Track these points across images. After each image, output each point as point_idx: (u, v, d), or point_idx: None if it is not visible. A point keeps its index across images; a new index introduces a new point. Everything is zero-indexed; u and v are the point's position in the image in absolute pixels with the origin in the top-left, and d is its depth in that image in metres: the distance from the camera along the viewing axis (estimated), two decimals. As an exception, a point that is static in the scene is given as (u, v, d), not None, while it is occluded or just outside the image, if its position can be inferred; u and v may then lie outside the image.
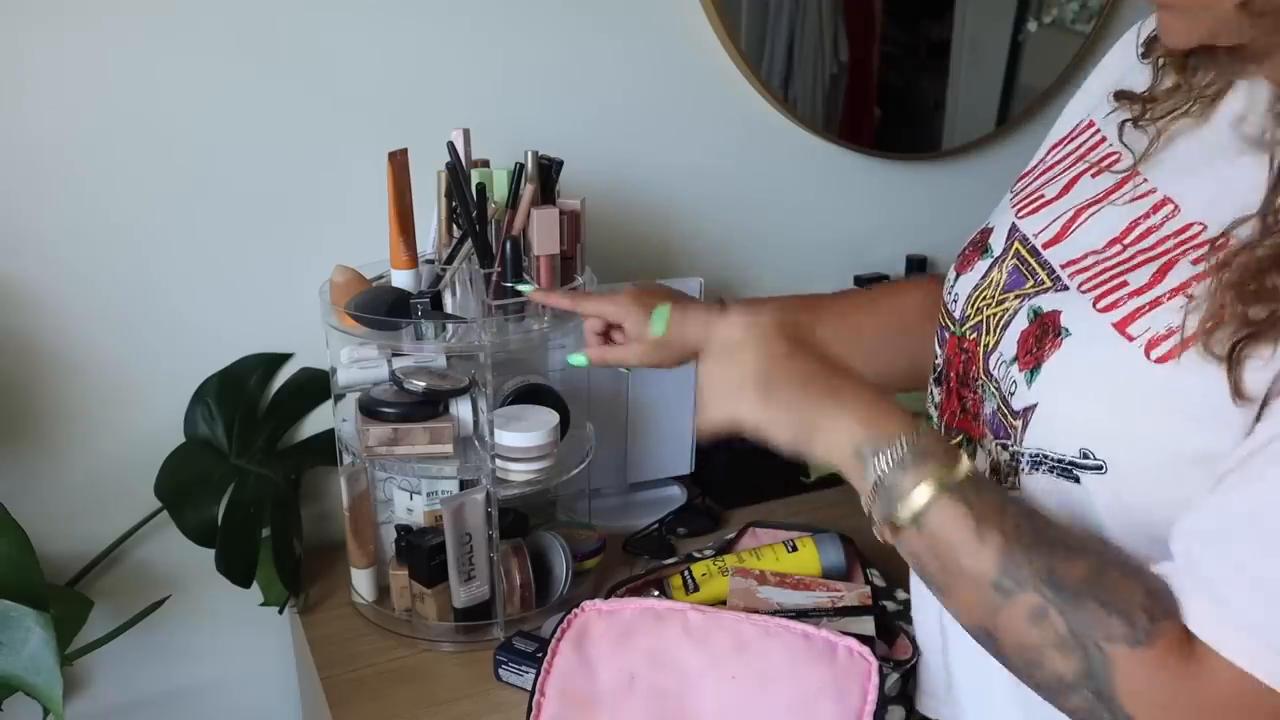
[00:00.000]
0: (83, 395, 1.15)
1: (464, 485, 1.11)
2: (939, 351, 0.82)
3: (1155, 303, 0.62)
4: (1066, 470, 0.65)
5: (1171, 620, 0.56)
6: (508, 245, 1.01)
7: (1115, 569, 0.60)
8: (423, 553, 1.07)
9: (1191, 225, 0.64)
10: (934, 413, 0.81)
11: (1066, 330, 0.66)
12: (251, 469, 1.18)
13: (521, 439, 1.04)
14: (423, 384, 1.04)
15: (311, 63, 1.16)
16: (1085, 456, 0.63)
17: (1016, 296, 0.72)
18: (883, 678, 0.84)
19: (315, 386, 1.24)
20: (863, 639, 0.86)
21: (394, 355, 1.10)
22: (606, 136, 1.34)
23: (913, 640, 0.95)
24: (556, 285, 1.04)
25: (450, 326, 1.03)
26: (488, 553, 1.07)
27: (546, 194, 1.07)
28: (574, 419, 1.15)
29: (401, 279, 1.05)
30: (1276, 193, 0.58)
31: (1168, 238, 0.65)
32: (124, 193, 1.12)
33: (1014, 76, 1.57)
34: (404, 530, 1.11)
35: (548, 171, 1.08)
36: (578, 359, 0.95)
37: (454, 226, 1.08)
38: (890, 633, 0.97)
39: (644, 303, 0.92)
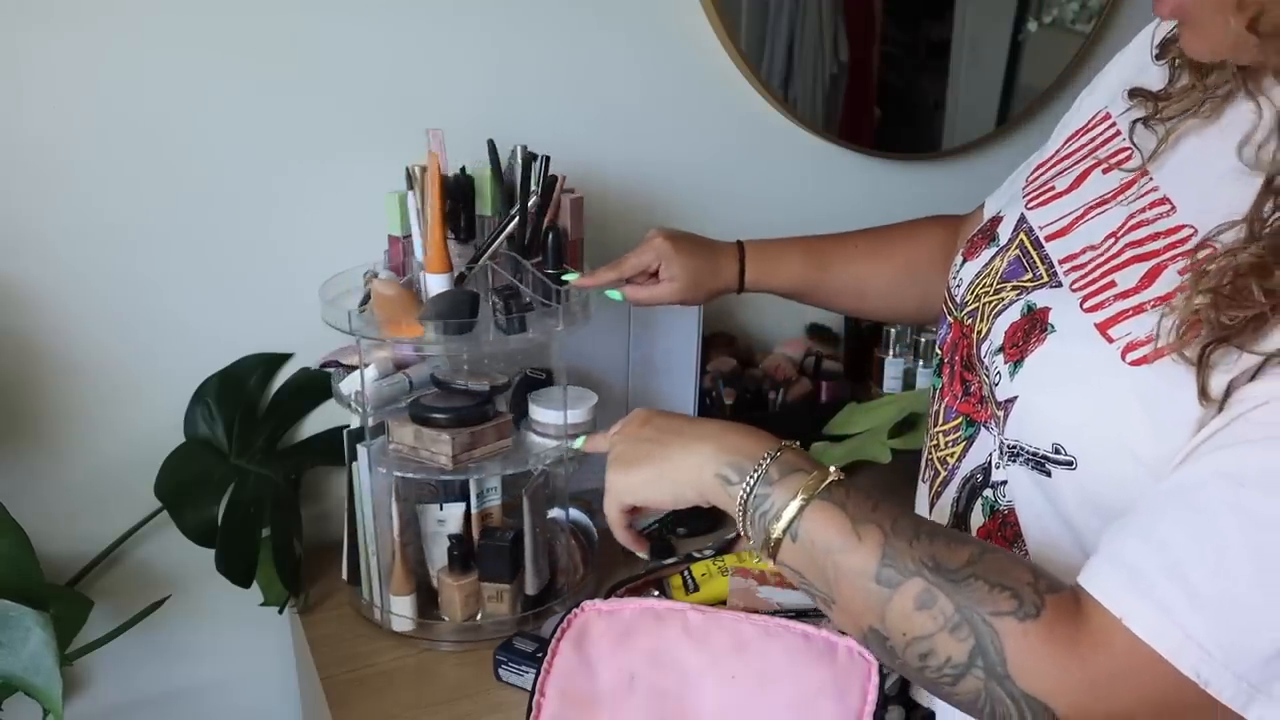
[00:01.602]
0: (83, 395, 1.15)
1: (505, 480, 1.10)
2: (943, 334, 0.82)
3: (1139, 308, 0.62)
4: (1039, 464, 0.66)
5: (1057, 595, 0.57)
6: (550, 235, 1.03)
7: (998, 554, 0.61)
8: (503, 550, 1.06)
9: (1183, 227, 0.64)
10: (936, 396, 0.82)
11: (1052, 327, 0.67)
12: (251, 469, 1.18)
13: (583, 415, 1.08)
14: (486, 383, 1.06)
15: (312, 63, 1.16)
16: (1057, 451, 0.64)
17: (1014, 288, 0.73)
18: (883, 678, 0.84)
19: (315, 386, 1.24)
20: (863, 639, 0.86)
21: (398, 367, 1.11)
22: (607, 136, 1.34)
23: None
24: (583, 267, 1.07)
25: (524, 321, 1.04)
26: (545, 537, 1.09)
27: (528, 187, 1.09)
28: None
29: (437, 282, 1.03)
30: (1264, 200, 0.58)
31: (1159, 235, 0.65)
32: (124, 193, 1.12)
33: (1014, 76, 1.57)
34: (457, 539, 1.08)
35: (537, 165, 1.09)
36: (615, 294, 1.04)
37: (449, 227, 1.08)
38: (890, 633, 0.97)
39: (675, 244, 1.03)
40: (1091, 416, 0.63)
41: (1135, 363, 0.61)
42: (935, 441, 0.80)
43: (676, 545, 1.25)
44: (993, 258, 0.78)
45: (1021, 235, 0.76)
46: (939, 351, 0.82)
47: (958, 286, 0.80)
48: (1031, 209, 0.77)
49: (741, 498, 0.66)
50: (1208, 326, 0.57)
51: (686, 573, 1.07)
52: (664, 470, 0.71)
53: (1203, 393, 0.56)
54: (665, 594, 1.05)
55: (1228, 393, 0.56)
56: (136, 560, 1.21)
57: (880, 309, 1.10)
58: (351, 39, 1.17)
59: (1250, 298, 0.55)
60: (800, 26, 1.40)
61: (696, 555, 1.12)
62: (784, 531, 0.64)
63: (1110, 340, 0.63)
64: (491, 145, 1.05)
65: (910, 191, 1.58)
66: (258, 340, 1.22)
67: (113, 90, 1.08)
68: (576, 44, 1.29)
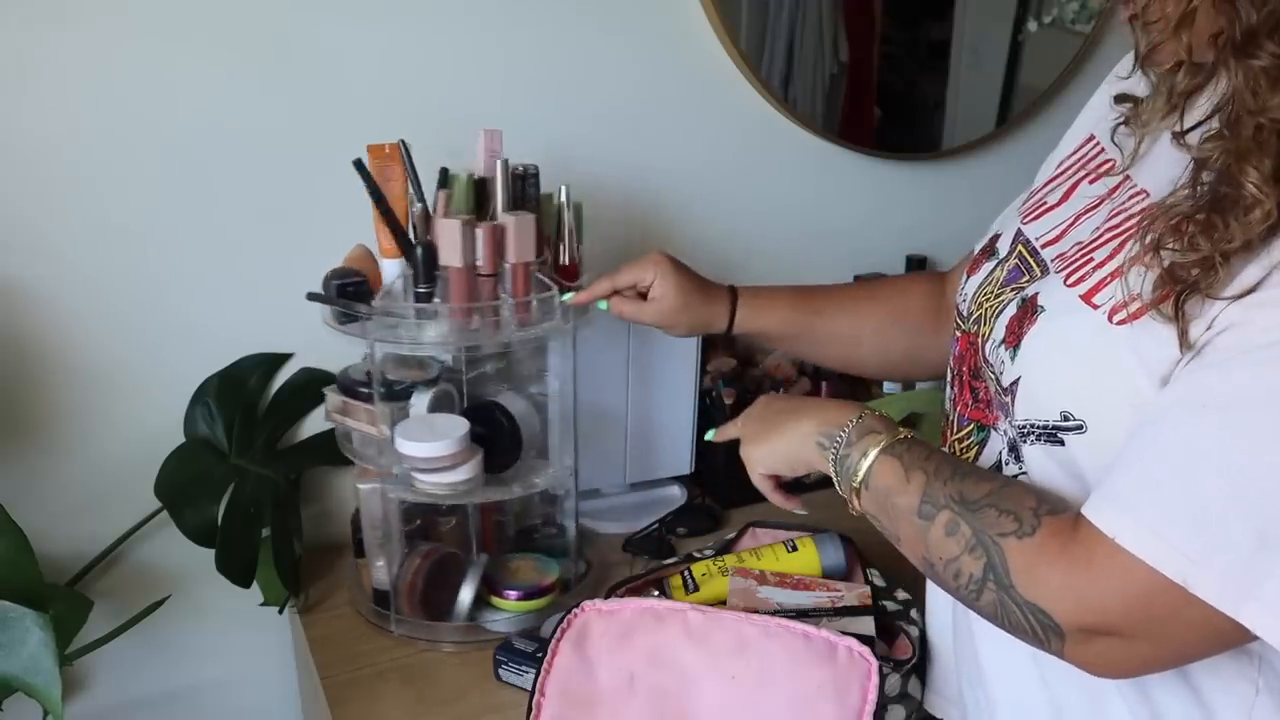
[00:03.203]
0: (83, 395, 1.15)
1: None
2: (952, 349, 0.86)
3: (1116, 274, 0.67)
4: (1052, 435, 0.70)
5: (1055, 516, 0.66)
6: (419, 251, 1.01)
7: (1016, 486, 0.70)
8: (354, 526, 1.14)
9: (1154, 207, 0.69)
10: (950, 407, 0.86)
11: (1042, 308, 0.72)
12: (251, 469, 1.18)
13: (413, 447, 1.01)
14: (367, 371, 1.07)
15: (313, 62, 1.16)
16: (1065, 419, 0.69)
17: (1013, 289, 0.78)
18: (883, 678, 0.84)
19: (315, 386, 1.23)
20: (863, 639, 0.86)
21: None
22: (607, 136, 1.34)
23: (913, 640, 0.95)
24: (476, 298, 1.02)
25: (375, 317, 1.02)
26: (398, 546, 1.10)
27: (524, 202, 1.06)
28: (555, 442, 1.13)
29: (389, 267, 1.07)
30: (1199, 170, 0.64)
31: (1134, 216, 0.70)
32: (125, 192, 1.12)
33: (1014, 76, 1.57)
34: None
35: (521, 181, 1.06)
36: (602, 303, 1.06)
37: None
38: (890, 633, 0.97)
39: (674, 266, 1.04)
40: (1090, 377, 0.68)
41: (1121, 322, 0.66)
42: (952, 449, 0.84)
43: (676, 545, 1.25)
44: (993, 269, 0.83)
45: (1020, 247, 0.81)
46: (950, 365, 0.86)
47: (963, 301, 0.85)
48: (1027, 224, 0.82)
49: (832, 459, 0.78)
50: (1168, 277, 0.62)
51: (686, 573, 1.07)
52: (778, 445, 0.84)
53: (1184, 342, 0.62)
54: (665, 594, 1.05)
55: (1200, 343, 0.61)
56: (136, 560, 1.21)
57: (870, 356, 1.07)
58: (354, 40, 1.17)
59: (1194, 244, 0.61)
60: (800, 26, 1.40)
61: (696, 555, 1.12)
62: (860, 482, 0.76)
63: (1095, 307, 0.68)
64: (403, 145, 1.04)
65: (910, 191, 1.58)
66: (258, 340, 1.22)
67: (115, 91, 1.08)
68: (576, 44, 1.29)
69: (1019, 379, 0.73)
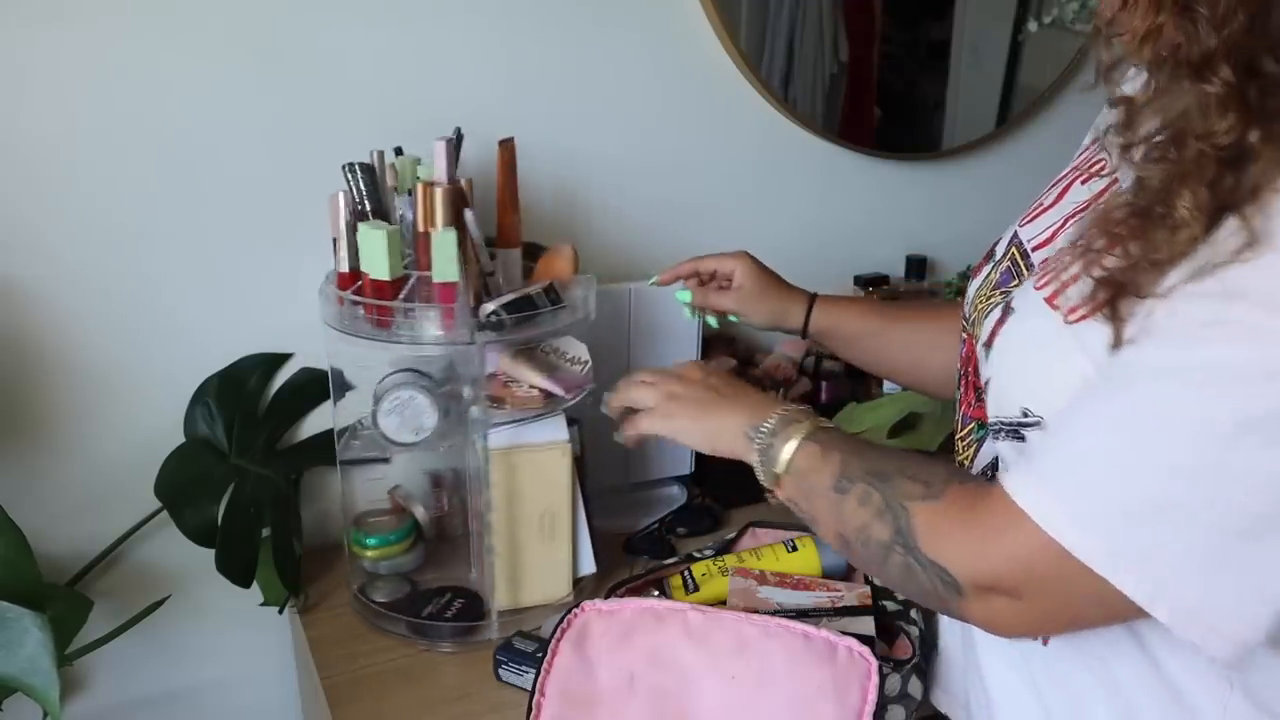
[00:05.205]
0: (83, 395, 1.15)
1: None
2: (960, 350, 0.87)
3: (1075, 277, 0.69)
4: (1015, 432, 0.72)
5: (962, 483, 0.70)
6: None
7: (934, 460, 0.74)
8: None
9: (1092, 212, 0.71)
10: (956, 406, 0.87)
11: (1013, 310, 0.75)
12: (251, 469, 1.18)
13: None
14: None
15: (313, 62, 1.16)
16: (1025, 415, 0.71)
17: (1001, 292, 0.79)
18: (883, 678, 0.84)
19: (315, 386, 1.24)
20: (863, 639, 0.86)
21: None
22: (606, 135, 1.34)
23: (913, 640, 0.95)
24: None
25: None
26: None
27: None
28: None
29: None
30: (1140, 171, 0.66)
31: None
32: (124, 192, 1.12)
33: (1014, 76, 1.57)
34: None
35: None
36: (683, 294, 1.12)
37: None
38: (890, 633, 0.97)
39: (757, 262, 1.11)
40: (1047, 375, 0.69)
41: (1073, 322, 0.68)
42: (956, 448, 0.85)
43: (676, 545, 1.25)
44: (989, 272, 0.84)
45: (1013, 249, 0.82)
46: (958, 366, 0.87)
47: (966, 304, 0.86)
48: (1023, 225, 0.83)
49: (758, 449, 0.81)
50: (1103, 280, 0.64)
51: (686, 573, 1.07)
52: (707, 424, 0.86)
53: (1118, 340, 0.63)
54: (665, 594, 1.05)
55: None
56: (136, 560, 1.21)
57: (941, 366, 1.04)
58: (355, 40, 1.17)
59: (1127, 251, 0.63)
60: (800, 26, 1.40)
61: (696, 555, 1.13)
62: (783, 469, 0.79)
63: (1055, 308, 0.70)
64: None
65: (910, 191, 1.58)
66: (258, 340, 1.22)
67: (115, 90, 1.08)
68: (576, 43, 1.29)
69: (990, 379, 0.75)
